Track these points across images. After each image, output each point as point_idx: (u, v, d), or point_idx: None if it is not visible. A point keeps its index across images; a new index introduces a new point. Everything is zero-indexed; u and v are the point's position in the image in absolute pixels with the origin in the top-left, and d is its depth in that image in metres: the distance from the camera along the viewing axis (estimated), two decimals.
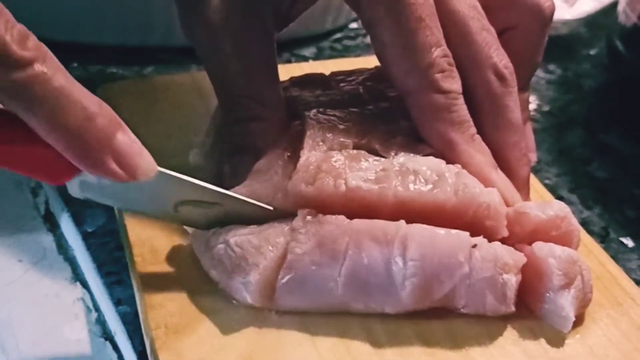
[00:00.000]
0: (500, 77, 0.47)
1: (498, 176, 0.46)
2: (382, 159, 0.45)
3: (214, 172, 0.48)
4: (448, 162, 0.46)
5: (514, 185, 0.47)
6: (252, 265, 0.41)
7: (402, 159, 0.45)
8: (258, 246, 0.42)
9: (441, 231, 0.42)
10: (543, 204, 0.45)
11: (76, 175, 0.39)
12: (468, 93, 0.47)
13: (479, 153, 0.46)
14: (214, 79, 0.49)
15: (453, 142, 0.46)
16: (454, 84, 0.46)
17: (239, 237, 0.42)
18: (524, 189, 0.48)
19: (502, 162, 0.47)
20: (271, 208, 0.44)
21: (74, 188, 0.40)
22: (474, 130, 0.47)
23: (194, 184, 0.42)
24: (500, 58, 0.48)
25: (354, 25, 0.78)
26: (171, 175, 0.41)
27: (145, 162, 0.39)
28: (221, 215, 0.44)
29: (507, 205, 0.45)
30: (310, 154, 0.44)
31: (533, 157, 0.52)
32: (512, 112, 0.48)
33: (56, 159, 0.37)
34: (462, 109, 0.46)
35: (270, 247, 0.42)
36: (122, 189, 0.40)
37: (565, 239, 0.44)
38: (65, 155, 0.37)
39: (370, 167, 0.44)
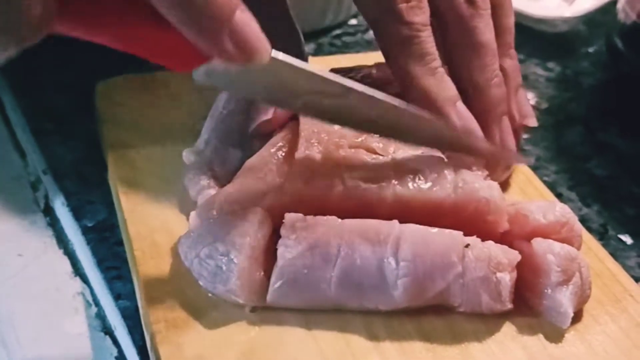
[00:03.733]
0: (469, 0, 0.47)
1: (456, 111, 0.46)
2: (380, 157, 0.45)
3: (205, 169, 0.49)
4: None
5: (485, 109, 0.47)
6: (227, 274, 0.41)
7: (400, 157, 0.45)
8: (226, 252, 0.42)
9: (434, 231, 0.42)
10: (545, 207, 0.45)
11: (204, 63, 0.38)
12: (441, 21, 0.47)
13: (437, 88, 0.46)
14: None
15: (411, 75, 0.46)
16: (419, 15, 0.46)
17: (207, 248, 0.42)
18: (495, 112, 0.48)
19: (473, 87, 0.47)
20: (398, 104, 0.42)
21: (199, 74, 0.39)
22: (437, 64, 0.46)
23: (317, 74, 0.40)
24: None
25: (353, 21, 0.78)
26: (294, 65, 0.39)
27: (261, 45, 0.37)
28: (348, 109, 0.42)
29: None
30: (307, 153, 0.45)
31: (532, 122, 0.52)
32: (482, 34, 0.48)
33: (184, 45, 0.36)
34: (424, 41, 0.46)
35: (237, 251, 0.42)
36: (247, 77, 0.39)
37: (564, 243, 0.44)
38: (184, 34, 0.35)
39: (368, 166, 0.44)
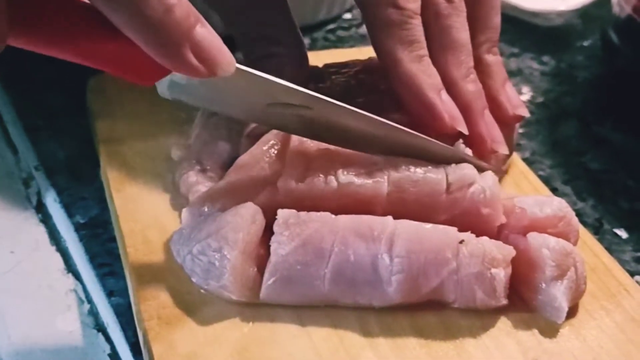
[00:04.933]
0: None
1: (441, 99, 0.46)
2: None
3: (194, 163, 0.48)
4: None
5: (465, 104, 0.48)
6: (220, 270, 0.41)
7: None
8: (219, 248, 0.41)
9: (428, 227, 0.42)
10: (543, 200, 0.45)
11: (165, 75, 0.39)
12: (422, 16, 0.47)
13: (424, 74, 0.46)
14: (232, 27, 0.50)
15: (398, 60, 0.46)
16: (412, 2, 0.46)
17: (200, 244, 0.42)
18: (476, 105, 0.48)
19: (449, 82, 0.48)
20: (364, 112, 0.43)
21: (163, 89, 0.40)
22: (424, 52, 0.47)
23: (281, 84, 0.41)
24: None
25: (347, 15, 0.77)
26: (257, 75, 0.40)
27: (224, 57, 0.37)
28: (312, 120, 0.43)
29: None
30: (299, 150, 0.44)
31: (524, 111, 0.52)
32: (458, 32, 0.48)
33: (144, 59, 0.36)
34: (414, 28, 0.46)
35: (230, 247, 0.41)
36: (210, 89, 0.40)
37: (561, 237, 0.44)
38: (145, 49, 0.36)
39: (362, 162, 0.44)
